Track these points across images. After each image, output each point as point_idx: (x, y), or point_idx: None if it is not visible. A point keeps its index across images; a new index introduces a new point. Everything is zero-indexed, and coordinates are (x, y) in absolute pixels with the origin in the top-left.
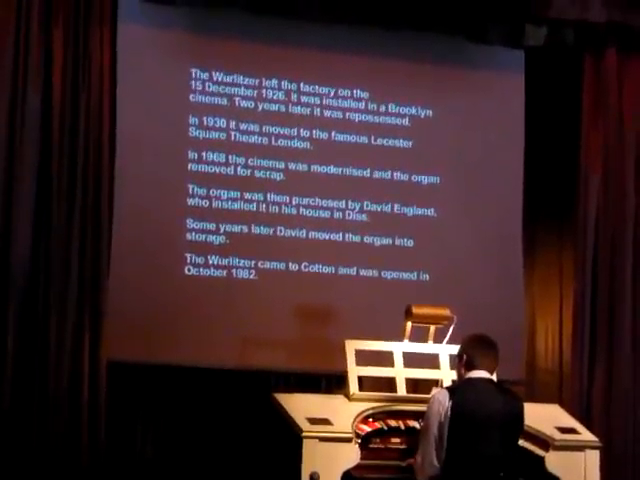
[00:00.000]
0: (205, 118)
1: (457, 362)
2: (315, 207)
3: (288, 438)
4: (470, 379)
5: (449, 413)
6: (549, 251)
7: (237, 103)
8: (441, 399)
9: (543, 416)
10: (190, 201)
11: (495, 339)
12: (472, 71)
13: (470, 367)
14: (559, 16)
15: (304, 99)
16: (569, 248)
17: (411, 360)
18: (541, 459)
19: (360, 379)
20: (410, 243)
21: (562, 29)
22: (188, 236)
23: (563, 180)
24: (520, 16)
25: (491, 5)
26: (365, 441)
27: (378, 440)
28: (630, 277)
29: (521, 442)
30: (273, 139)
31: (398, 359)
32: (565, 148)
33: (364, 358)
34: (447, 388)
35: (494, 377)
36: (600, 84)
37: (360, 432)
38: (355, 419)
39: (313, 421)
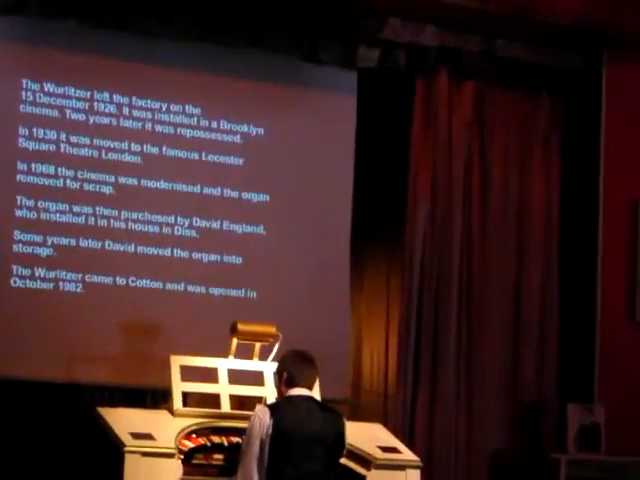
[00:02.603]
0: (35, 129)
1: (276, 380)
2: (144, 222)
3: (111, 453)
4: (291, 397)
5: (270, 431)
6: (377, 273)
7: (68, 115)
8: (262, 417)
9: (366, 435)
10: (18, 213)
11: (321, 358)
12: (305, 90)
13: (290, 384)
14: (392, 38)
15: (136, 113)
16: (397, 270)
17: (237, 377)
18: (363, 478)
19: (186, 395)
20: (238, 260)
21: (395, 52)
22: (15, 248)
23: (392, 203)
24: (353, 37)
25: (324, 25)
26: (188, 457)
27: (201, 456)
28: (455, 302)
29: (343, 460)
30: (103, 152)
31: (223, 375)
32: (394, 172)
33: (191, 374)
34: (268, 406)
35: (316, 393)
36: (430, 109)
37: (183, 448)
38: (178, 435)
39: (136, 436)
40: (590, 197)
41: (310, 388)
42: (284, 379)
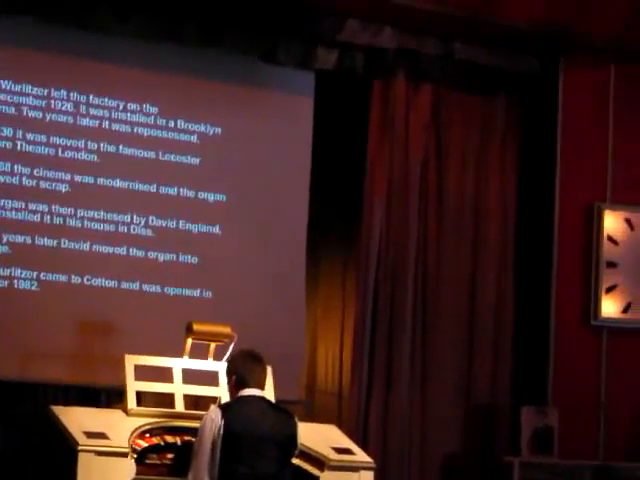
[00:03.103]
0: None
1: (227, 381)
2: (100, 220)
3: (65, 452)
4: (243, 397)
5: (221, 431)
6: (333, 273)
7: (25, 112)
8: (214, 417)
9: (320, 436)
10: None
11: (276, 359)
12: (263, 91)
13: (241, 385)
14: (350, 40)
15: (93, 111)
16: (352, 271)
17: (192, 377)
18: (316, 479)
19: (141, 394)
20: (194, 260)
21: (353, 53)
22: None
23: (349, 204)
24: (311, 38)
25: (283, 26)
26: (141, 456)
27: (155, 456)
28: (411, 302)
29: (297, 461)
30: (60, 150)
31: (177, 375)
32: (351, 172)
33: (145, 373)
34: (220, 406)
35: (270, 394)
36: (387, 111)
37: (137, 447)
38: (132, 434)
39: (90, 435)
40: (546, 200)
41: (261, 388)
42: (234, 381)
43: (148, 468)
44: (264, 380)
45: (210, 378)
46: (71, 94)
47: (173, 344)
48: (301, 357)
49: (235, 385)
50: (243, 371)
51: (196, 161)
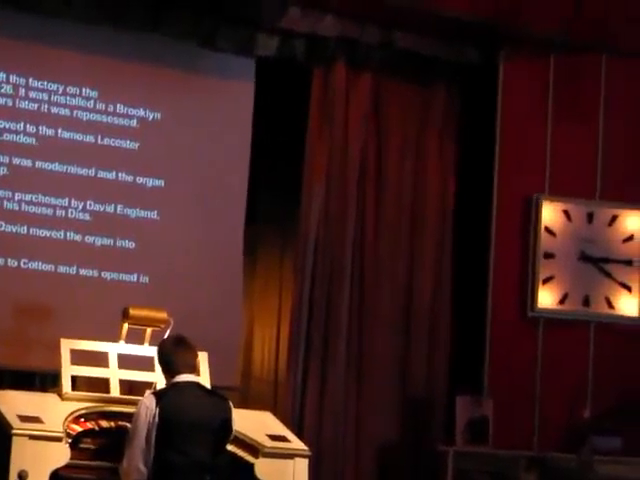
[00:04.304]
0: None
1: (160, 368)
2: (38, 204)
3: None
4: (177, 383)
5: (156, 419)
6: (270, 260)
7: None
8: (148, 404)
9: (254, 423)
10: None
11: (212, 345)
12: (203, 77)
13: (174, 371)
14: (291, 27)
15: (32, 94)
16: (290, 259)
17: (128, 362)
18: (251, 465)
19: (76, 379)
20: (131, 245)
21: (293, 41)
22: None
23: (288, 192)
24: (252, 25)
25: (222, 12)
26: (76, 441)
27: (89, 440)
28: (347, 293)
29: (231, 448)
30: None
31: (113, 360)
32: (291, 160)
33: (81, 358)
34: (154, 393)
35: (205, 380)
36: (327, 99)
37: (71, 432)
38: (67, 418)
39: (24, 419)
40: (485, 190)
41: (193, 371)
42: (164, 367)
43: (82, 453)
44: (194, 364)
45: (146, 363)
46: (10, 77)
47: (109, 329)
48: (237, 343)
49: (165, 372)
50: (174, 357)
51: (135, 146)
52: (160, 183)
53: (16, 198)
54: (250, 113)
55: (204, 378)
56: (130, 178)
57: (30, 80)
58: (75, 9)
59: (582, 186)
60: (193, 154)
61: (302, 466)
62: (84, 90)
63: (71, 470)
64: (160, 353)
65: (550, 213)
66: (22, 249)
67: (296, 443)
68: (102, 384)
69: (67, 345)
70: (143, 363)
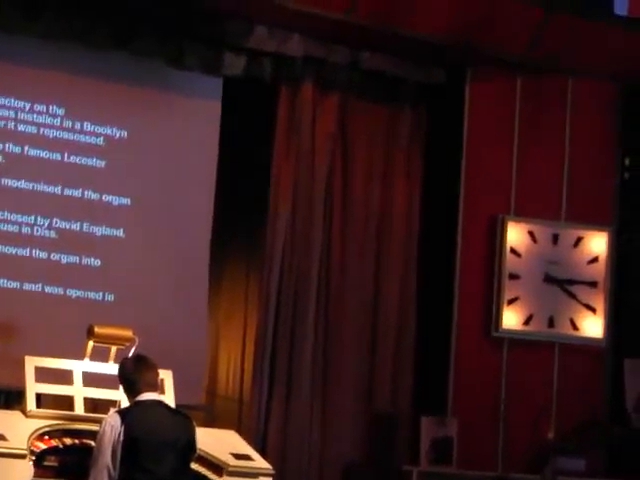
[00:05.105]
0: None
1: (122, 387)
2: (3, 221)
3: None
4: (141, 401)
5: (121, 437)
6: (236, 280)
7: None
8: (113, 422)
9: (219, 441)
10: None
11: (177, 363)
12: (170, 95)
13: (136, 390)
14: (258, 47)
15: None
16: (256, 278)
17: (93, 380)
18: None
19: (40, 396)
20: (97, 263)
21: (261, 60)
22: None
23: (253, 211)
24: (219, 44)
25: (189, 31)
26: (40, 459)
27: (53, 458)
28: (313, 312)
29: (196, 466)
30: None
31: (77, 378)
32: (257, 178)
33: (45, 375)
34: (118, 411)
35: (170, 398)
36: (294, 118)
37: (35, 449)
38: (31, 436)
39: None
40: (450, 210)
41: (156, 390)
42: (126, 387)
43: (46, 470)
44: (157, 383)
45: (111, 381)
46: None
47: (74, 346)
48: (203, 362)
49: (129, 391)
50: (134, 376)
51: (102, 164)
52: (126, 201)
53: None
54: (217, 132)
55: (169, 396)
56: (96, 196)
57: None
58: (42, 26)
59: (547, 207)
60: (160, 172)
61: None
62: (51, 108)
63: None
64: (122, 372)
65: (515, 234)
66: None
67: (260, 462)
68: (67, 402)
69: (32, 362)
70: (108, 381)
